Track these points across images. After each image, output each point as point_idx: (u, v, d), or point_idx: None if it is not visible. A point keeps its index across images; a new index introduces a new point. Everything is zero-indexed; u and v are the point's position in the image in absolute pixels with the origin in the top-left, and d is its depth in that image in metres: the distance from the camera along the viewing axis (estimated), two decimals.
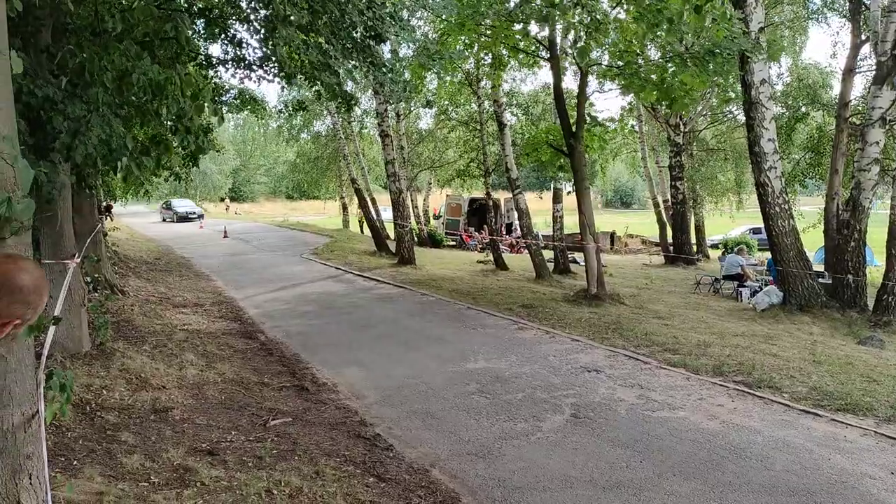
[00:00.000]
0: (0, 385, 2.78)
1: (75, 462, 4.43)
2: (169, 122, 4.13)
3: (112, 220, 21.40)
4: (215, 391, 6.55)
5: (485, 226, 27.98)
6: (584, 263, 19.12)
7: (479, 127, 20.96)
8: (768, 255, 20.54)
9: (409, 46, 13.09)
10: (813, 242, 14.61)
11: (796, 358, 7.89)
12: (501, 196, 31.48)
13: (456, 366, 8.04)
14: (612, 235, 31.39)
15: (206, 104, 4.06)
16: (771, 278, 13.36)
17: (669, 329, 9.56)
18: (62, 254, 5.87)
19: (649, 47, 13.01)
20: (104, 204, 16.48)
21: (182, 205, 45.86)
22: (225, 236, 29.80)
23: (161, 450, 4.82)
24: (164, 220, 43.53)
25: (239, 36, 11.11)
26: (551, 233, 22.92)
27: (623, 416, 6.15)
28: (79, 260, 6.23)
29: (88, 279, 9.18)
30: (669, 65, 11.17)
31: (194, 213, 44.59)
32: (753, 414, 6.14)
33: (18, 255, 1.78)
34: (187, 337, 8.69)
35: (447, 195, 34.11)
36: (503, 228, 29.95)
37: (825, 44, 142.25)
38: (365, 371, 7.93)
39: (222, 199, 60.28)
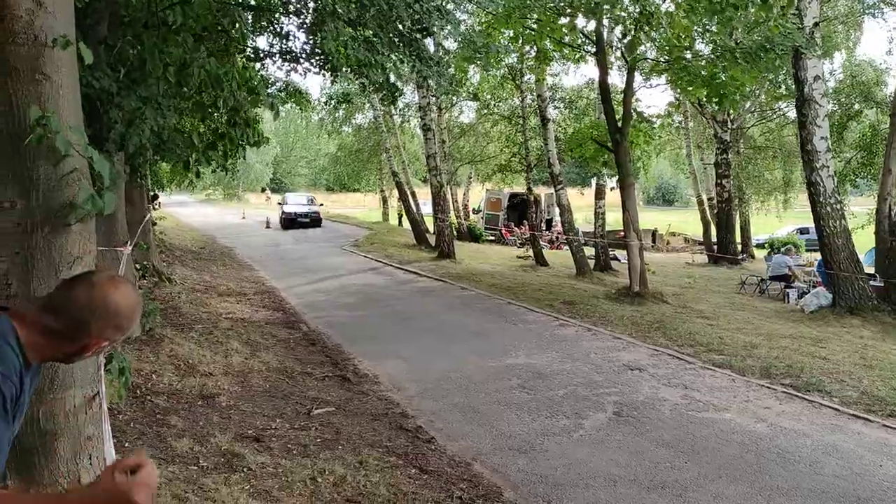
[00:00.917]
0: (63, 367, 2.85)
1: (127, 444, 4.55)
2: (225, 116, 4.19)
3: (159, 208, 21.96)
4: (260, 379, 6.67)
5: (525, 221, 27.82)
6: (625, 261, 18.95)
7: (521, 121, 20.83)
8: (816, 255, 20.06)
9: (455, 40, 13.07)
10: (862, 244, 14.17)
11: (846, 362, 7.68)
12: (542, 191, 31.29)
13: (496, 360, 8.03)
14: (654, 233, 30.92)
15: (262, 97, 4.12)
16: (819, 280, 13.03)
17: (714, 329, 9.39)
18: (115, 241, 6.02)
19: (698, 42, 12.77)
20: (151, 193, 16.87)
21: (295, 202, 31.66)
22: (267, 226, 30.22)
23: (209, 435, 4.93)
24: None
25: (286, 28, 11.25)
26: (591, 229, 22.72)
27: (667, 416, 6.07)
28: (131, 248, 6.38)
29: (138, 266, 9.41)
30: (720, 60, 10.93)
31: (305, 215, 29.91)
32: (802, 418, 6.00)
33: (120, 279, 1.79)
34: (232, 325, 8.85)
35: (487, 189, 34.00)
36: (543, 224, 29.74)
37: (881, 39, 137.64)
38: (406, 363, 7.97)
39: (263, 190, 61.05)
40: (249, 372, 6.82)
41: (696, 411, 6.14)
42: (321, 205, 33.29)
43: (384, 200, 38.92)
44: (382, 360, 8.10)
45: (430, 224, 25.62)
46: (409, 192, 26.00)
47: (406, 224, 29.16)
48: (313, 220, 29.88)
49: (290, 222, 29.43)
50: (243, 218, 36.33)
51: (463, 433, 5.81)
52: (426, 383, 7.17)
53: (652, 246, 28.79)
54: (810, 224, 28.89)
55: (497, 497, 4.60)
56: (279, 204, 31.91)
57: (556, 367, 7.70)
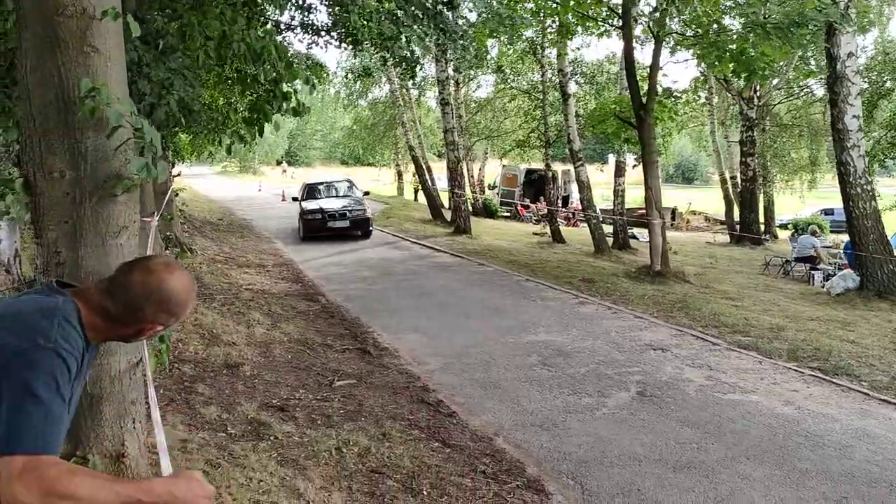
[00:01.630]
0: None
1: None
2: (264, 90, 4.13)
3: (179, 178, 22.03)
4: (282, 350, 6.68)
5: (542, 197, 27.63)
6: (643, 239, 18.76)
7: (541, 96, 20.56)
8: (841, 237, 19.76)
9: (479, 13, 12.85)
10: (889, 226, 13.92)
11: (876, 346, 7.54)
12: (558, 168, 31.01)
13: (516, 337, 7.99)
14: (674, 211, 30.59)
15: (299, 70, 4.05)
16: (846, 262, 12.81)
17: (739, 310, 9.26)
18: (143, 212, 6.02)
19: (728, 16, 12.46)
20: (172, 164, 16.92)
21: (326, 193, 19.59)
22: (283, 199, 30.33)
23: (235, 403, 4.95)
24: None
25: (309, 1, 11.11)
26: (610, 207, 22.50)
27: (692, 397, 5.99)
28: (158, 219, 6.37)
29: (162, 237, 9.43)
30: (750, 34, 10.66)
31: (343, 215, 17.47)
32: (831, 401, 5.90)
33: (175, 265, 1.81)
34: (252, 297, 8.87)
35: (503, 165, 33.75)
36: (559, 201, 29.52)
37: None
38: (425, 338, 7.95)
39: (279, 163, 61.04)
40: (271, 342, 6.83)
41: (722, 393, 6.06)
42: (366, 193, 19.92)
43: (399, 175, 38.81)
44: (402, 333, 8.08)
45: (444, 199, 25.56)
46: (425, 167, 25.87)
47: (421, 199, 29.05)
48: (356, 223, 17.17)
49: (316, 227, 16.93)
50: (259, 191, 36.42)
51: (484, 408, 5.79)
52: (446, 358, 7.15)
53: (671, 224, 28.50)
54: (833, 205, 28.55)
55: (520, 473, 4.57)
56: (295, 199, 19.21)
57: (577, 345, 7.63)
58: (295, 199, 19.03)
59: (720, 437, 5.16)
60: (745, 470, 4.60)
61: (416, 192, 33.45)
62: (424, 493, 4.16)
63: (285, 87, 4.15)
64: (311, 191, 18.94)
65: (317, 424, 4.88)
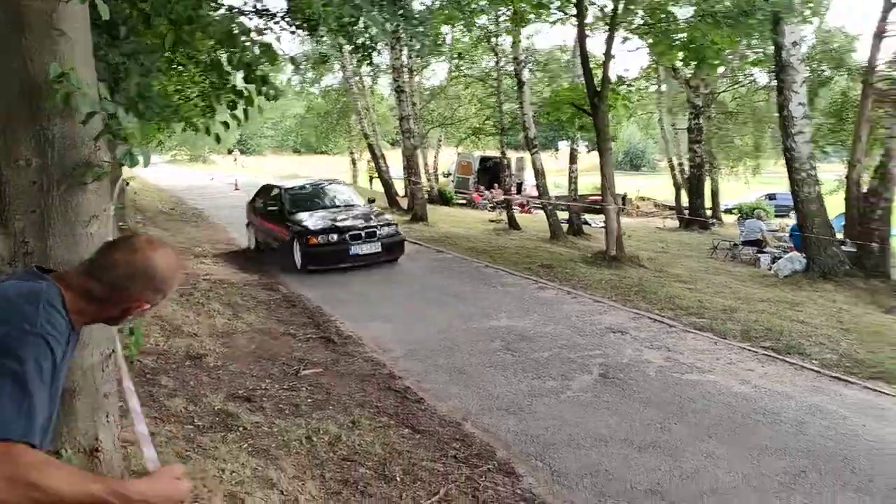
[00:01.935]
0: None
1: (121, 403, 4.46)
2: (241, 74, 4.02)
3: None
4: (245, 340, 6.60)
5: (497, 185, 27.75)
6: (595, 225, 19.07)
7: (496, 84, 20.61)
8: (786, 221, 20.43)
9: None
10: (832, 210, 14.44)
11: (824, 325, 7.85)
12: (512, 155, 31.20)
13: (479, 323, 8.05)
14: (624, 198, 31.08)
15: (278, 54, 3.97)
16: (792, 245, 13.26)
17: (693, 293, 9.52)
18: None
19: (678, 5, 12.69)
20: None
21: (323, 201, 13.44)
22: (236, 188, 29.77)
23: (201, 394, 4.88)
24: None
25: None
26: (562, 193, 22.76)
27: (653, 378, 6.14)
28: (113, 207, 6.17)
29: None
30: (701, 23, 10.89)
31: (367, 235, 11.65)
32: (784, 379, 6.13)
33: (160, 241, 1.78)
34: (211, 287, 8.73)
35: (458, 153, 33.80)
36: (514, 188, 29.73)
37: (853, 5, 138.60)
38: (388, 325, 7.95)
39: (230, 151, 59.81)
40: (234, 332, 6.75)
41: (681, 373, 6.23)
42: (371, 200, 14.00)
43: (354, 163, 38.49)
44: (365, 321, 8.06)
45: (399, 187, 25.47)
46: (380, 155, 25.72)
47: (377, 187, 28.88)
48: (389, 247, 11.79)
49: (332, 255, 11.25)
50: (211, 180, 35.70)
51: (451, 394, 5.84)
52: (410, 345, 7.17)
53: (622, 210, 28.98)
54: (776, 190, 29.39)
55: (490, 456, 4.63)
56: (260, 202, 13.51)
57: (539, 330, 7.74)
58: (260, 202, 13.08)
59: (682, 416, 5.31)
60: (708, 448, 4.75)
61: (370, 179, 33.21)
62: (398, 479, 4.18)
63: (260, 71, 4.06)
64: (294, 200, 12.40)
65: (285, 414, 4.85)
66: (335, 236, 11.10)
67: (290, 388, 5.45)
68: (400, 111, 20.74)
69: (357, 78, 26.34)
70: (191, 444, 3.94)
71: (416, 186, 19.91)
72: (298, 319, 7.89)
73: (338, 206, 12.71)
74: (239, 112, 4.10)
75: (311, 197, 13.03)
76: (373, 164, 27.63)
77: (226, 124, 4.00)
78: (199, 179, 36.06)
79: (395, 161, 26.06)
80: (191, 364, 5.60)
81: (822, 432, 4.98)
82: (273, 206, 12.29)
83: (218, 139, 4.25)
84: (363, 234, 11.33)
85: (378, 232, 11.45)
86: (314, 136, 38.99)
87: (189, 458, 3.71)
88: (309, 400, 5.21)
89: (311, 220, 11.59)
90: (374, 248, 11.32)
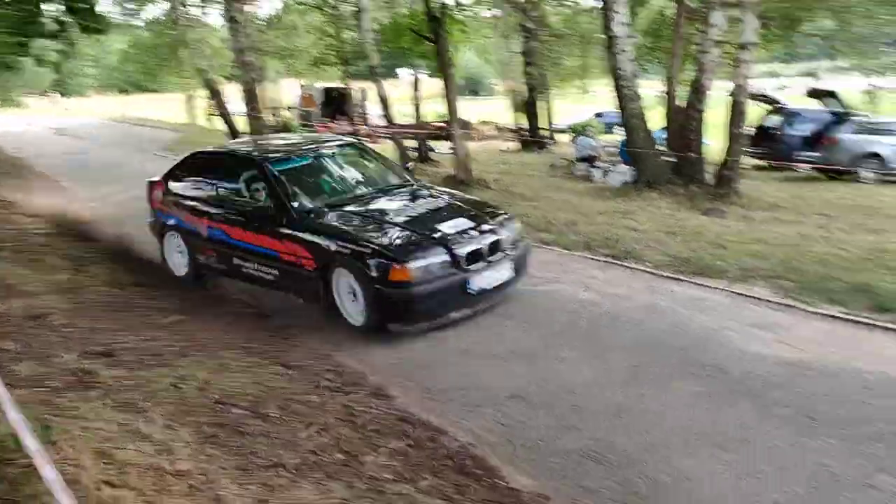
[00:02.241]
0: None
1: None
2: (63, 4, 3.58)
3: None
4: (93, 294, 6.22)
5: (342, 115, 27.18)
6: (440, 151, 19.36)
7: (333, 11, 19.92)
8: (613, 137, 21.73)
9: None
10: (654, 124, 15.57)
11: (653, 230, 8.61)
12: (353, 85, 30.58)
13: None
14: (467, 123, 31.62)
15: None
16: (621, 159, 14.22)
17: (538, 210, 10.03)
18: None
19: None
20: None
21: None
22: (56, 133, 27.09)
23: (51, 355, 4.59)
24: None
25: None
26: (408, 122, 22.76)
27: (508, 292, 6.50)
28: None
29: None
30: None
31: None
32: (623, 283, 6.74)
33: None
34: (46, 241, 8.04)
35: (301, 85, 32.59)
36: (360, 118, 29.29)
37: None
38: None
39: (45, 93, 53.82)
40: (80, 288, 6.32)
41: (534, 286, 6.61)
42: (406, 167, 8.22)
43: (190, 99, 36.02)
44: None
45: (240, 124, 24.28)
46: (220, 90, 24.29)
47: (217, 125, 27.38)
48: (518, 267, 6.26)
49: (415, 303, 5.49)
50: (29, 125, 32.27)
51: (319, 327, 5.84)
52: None
53: (466, 135, 29.47)
54: (604, 108, 31.06)
55: (363, 381, 4.77)
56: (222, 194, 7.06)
57: None
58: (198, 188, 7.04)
59: (537, 326, 5.72)
60: (560, 353, 5.18)
61: (209, 117, 31.31)
62: (274, 415, 4.20)
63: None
64: (300, 185, 6.44)
65: (148, 365, 4.67)
66: (443, 258, 5.64)
67: (151, 338, 5.24)
68: (235, 43, 19.55)
69: (184, 7, 24.41)
70: (49, 408, 3.72)
71: (258, 122, 19.08)
72: (146, 268, 7.46)
73: (372, 190, 6.82)
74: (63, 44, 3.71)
75: (323, 175, 6.85)
76: (212, 101, 26.06)
77: (64, 53, 3.61)
78: (15, 125, 32.33)
79: (234, 97, 24.71)
80: (34, 324, 5.21)
81: (659, 327, 5.58)
82: (249, 199, 6.44)
83: (57, 69, 3.82)
84: (485, 248, 5.92)
85: (501, 240, 6.11)
86: (141, 74, 35.87)
87: (50, 422, 3.50)
88: (172, 348, 5.05)
89: (372, 227, 5.99)
90: (503, 273, 6.07)
